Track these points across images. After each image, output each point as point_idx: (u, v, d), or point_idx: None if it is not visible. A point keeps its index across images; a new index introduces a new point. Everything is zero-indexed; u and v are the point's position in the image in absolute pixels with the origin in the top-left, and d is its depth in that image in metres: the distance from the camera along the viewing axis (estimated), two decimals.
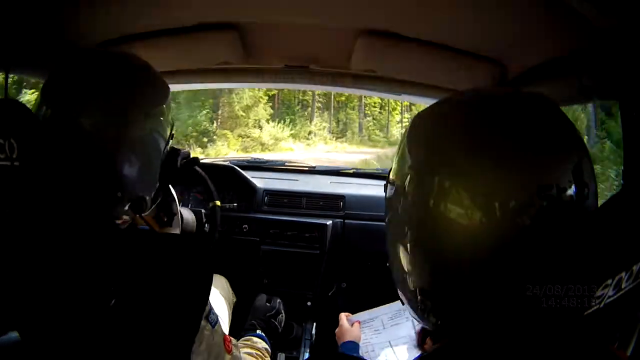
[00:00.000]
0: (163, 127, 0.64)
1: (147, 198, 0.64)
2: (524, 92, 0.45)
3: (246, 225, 1.42)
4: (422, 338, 0.55)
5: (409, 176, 0.41)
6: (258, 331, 0.91)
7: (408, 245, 0.41)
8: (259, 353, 0.82)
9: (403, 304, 0.49)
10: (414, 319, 0.90)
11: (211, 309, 0.60)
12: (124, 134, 0.58)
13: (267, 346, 0.87)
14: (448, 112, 0.43)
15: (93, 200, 0.55)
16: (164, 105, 0.64)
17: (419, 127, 0.44)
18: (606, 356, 0.40)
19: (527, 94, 0.44)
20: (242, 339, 0.87)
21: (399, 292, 0.48)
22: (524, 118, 0.39)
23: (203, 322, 0.57)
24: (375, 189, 1.58)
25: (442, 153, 0.40)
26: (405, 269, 0.43)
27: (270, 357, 0.87)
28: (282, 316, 1.02)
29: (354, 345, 0.88)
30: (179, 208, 1.03)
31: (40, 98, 0.57)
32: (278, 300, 1.04)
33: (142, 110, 0.60)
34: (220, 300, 1.09)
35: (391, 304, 0.98)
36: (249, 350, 0.80)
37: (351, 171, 1.75)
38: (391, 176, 0.46)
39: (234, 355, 0.66)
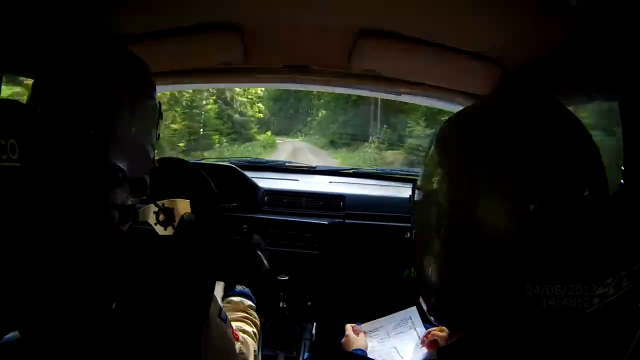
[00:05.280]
0: (152, 105, 0.63)
1: (147, 178, 0.63)
2: (537, 95, 0.46)
3: (246, 225, 1.41)
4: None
5: (439, 180, 0.45)
6: (237, 287, 0.89)
7: (440, 241, 0.44)
8: (245, 315, 0.81)
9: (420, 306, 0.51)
10: (417, 329, 0.92)
11: (221, 308, 0.62)
12: (116, 115, 0.56)
13: (250, 302, 0.86)
14: (472, 122, 0.46)
15: (93, 186, 0.53)
16: (149, 81, 0.62)
17: (446, 136, 0.48)
18: None
19: (541, 97, 0.45)
20: (224, 301, 0.85)
21: (426, 288, 0.49)
22: (534, 126, 0.41)
23: (218, 321, 0.59)
24: (375, 189, 1.58)
25: (465, 159, 0.43)
26: (439, 260, 0.45)
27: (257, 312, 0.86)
28: (260, 257, 1.01)
29: (362, 352, 0.89)
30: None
31: (32, 94, 0.56)
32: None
33: (130, 90, 0.58)
34: None
35: (393, 314, 0.99)
36: (238, 324, 0.78)
37: (351, 171, 1.75)
38: (420, 182, 0.49)
39: (242, 341, 0.70)
